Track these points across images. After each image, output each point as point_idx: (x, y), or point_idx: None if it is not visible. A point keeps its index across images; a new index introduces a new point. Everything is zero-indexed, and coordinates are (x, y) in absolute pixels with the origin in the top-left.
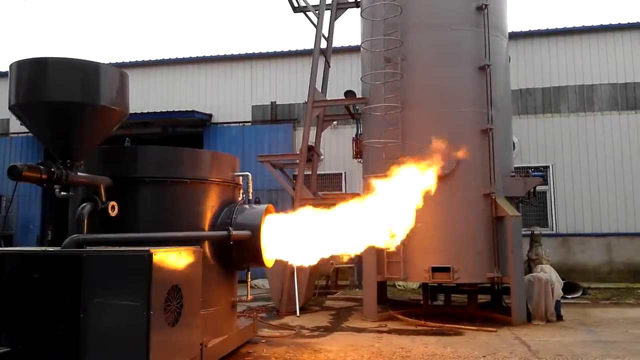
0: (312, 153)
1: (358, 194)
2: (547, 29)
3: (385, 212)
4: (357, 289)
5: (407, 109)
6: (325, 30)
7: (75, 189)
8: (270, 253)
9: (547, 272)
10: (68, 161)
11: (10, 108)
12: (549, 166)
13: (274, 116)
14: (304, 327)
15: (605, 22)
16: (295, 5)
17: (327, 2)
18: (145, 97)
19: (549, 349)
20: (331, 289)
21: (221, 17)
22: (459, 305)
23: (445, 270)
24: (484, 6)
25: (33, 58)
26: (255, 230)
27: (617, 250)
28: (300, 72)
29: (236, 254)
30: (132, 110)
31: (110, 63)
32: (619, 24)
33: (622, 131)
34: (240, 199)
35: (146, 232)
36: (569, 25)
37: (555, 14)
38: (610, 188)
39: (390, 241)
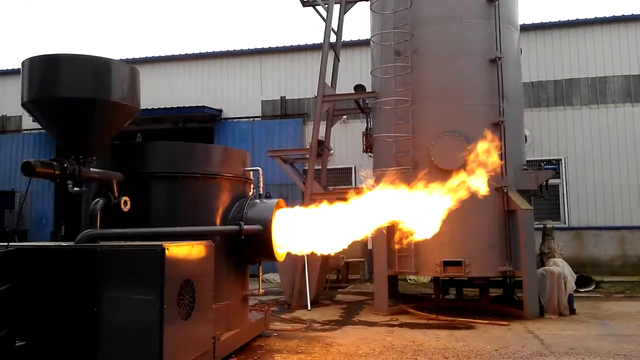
0: (322, 147)
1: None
2: (559, 20)
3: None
4: (368, 283)
5: (417, 103)
6: (334, 24)
7: (87, 185)
8: (282, 247)
9: (560, 266)
10: (80, 157)
11: (23, 105)
12: (561, 159)
13: (284, 111)
14: (315, 320)
15: (618, 13)
16: None
17: None
18: (156, 93)
19: (562, 342)
20: (342, 283)
21: (230, 13)
22: (470, 299)
23: (457, 264)
24: None
25: (45, 55)
26: (267, 225)
27: (631, 244)
28: (310, 66)
29: (248, 248)
30: (143, 106)
31: (121, 59)
32: (632, 14)
33: (636, 123)
34: (251, 193)
35: (158, 227)
36: (581, 16)
37: (566, 5)
38: (623, 181)
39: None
